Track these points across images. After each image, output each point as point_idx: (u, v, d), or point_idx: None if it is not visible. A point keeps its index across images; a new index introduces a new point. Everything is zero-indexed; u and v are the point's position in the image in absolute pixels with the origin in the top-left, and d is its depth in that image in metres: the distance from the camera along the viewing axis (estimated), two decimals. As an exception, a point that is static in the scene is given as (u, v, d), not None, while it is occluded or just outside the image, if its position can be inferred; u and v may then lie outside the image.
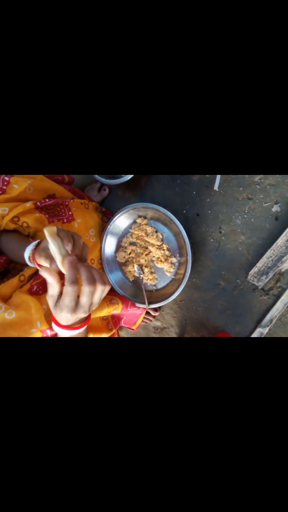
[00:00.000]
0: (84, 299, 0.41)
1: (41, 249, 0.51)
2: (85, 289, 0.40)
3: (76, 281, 0.40)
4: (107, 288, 0.43)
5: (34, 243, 0.55)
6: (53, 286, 0.41)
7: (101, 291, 0.42)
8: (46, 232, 0.42)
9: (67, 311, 0.40)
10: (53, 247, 0.42)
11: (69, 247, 0.43)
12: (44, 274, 0.41)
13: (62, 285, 0.41)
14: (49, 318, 0.59)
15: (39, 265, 0.53)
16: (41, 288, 0.61)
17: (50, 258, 0.48)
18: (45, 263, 0.49)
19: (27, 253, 0.55)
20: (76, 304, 0.40)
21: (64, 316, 0.41)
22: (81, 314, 0.41)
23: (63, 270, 0.41)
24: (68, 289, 0.39)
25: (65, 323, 0.43)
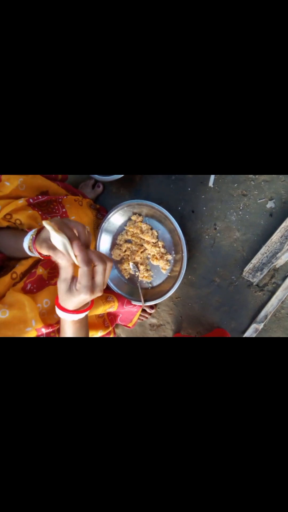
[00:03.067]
0: (99, 278, 0.43)
1: (42, 240, 0.52)
2: (99, 268, 0.43)
3: (89, 262, 0.43)
4: (111, 264, 0.46)
5: (31, 232, 0.55)
6: (66, 269, 0.43)
7: (109, 268, 0.45)
8: (49, 227, 0.43)
9: (85, 292, 0.42)
10: (59, 243, 0.43)
11: (75, 247, 0.45)
12: (57, 258, 0.43)
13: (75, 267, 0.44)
14: (44, 317, 0.58)
15: (40, 254, 0.54)
16: (35, 286, 0.61)
17: (53, 248, 0.49)
18: (48, 253, 0.50)
19: (26, 243, 0.55)
20: (93, 284, 0.43)
21: (82, 298, 0.43)
22: (98, 293, 0.44)
23: (74, 260, 0.44)
24: (84, 269, 0.42)
25: (72, 308, 0.45)
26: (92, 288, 0.43)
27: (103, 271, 0.44)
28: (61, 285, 0.44)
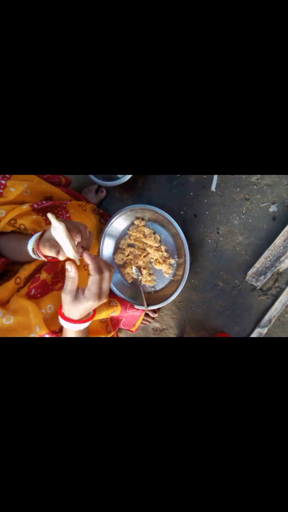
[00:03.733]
0: (105, 285, 0.45)
1: (45, 239, 0.52)
2: (105, 275, 0.45)
3: (100, 270, 0.44)
4: (113, 270, 0.48)
5: (37, 235, 0.56)
6: (74, 280, 0.44)
7: (112, 274, 0.47)
8: (52, 218, 0.44)
9: (94, 299, 0.43)
10: (62, 235, 0.44)
11: (78, 238, 0.47)
12: (69, 266, 0.45)
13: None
14: (48, 322, 0.58)
15: (45, 256, 0.55)
16: (39, 291, 0.61)
17: (55, 247, 0.51)
18: (50, 253, 0.51)
19: (30, 245, 0.56)
20: (100, 291, 0.44)
21: (89, 305, 0.44)
22: (103, 300, 0.45)
23: (73, 257, 0.45)
24: (96, 277, 0.43)
25: (77, 317, 0.46)
26: (100, 294, 0.44)
27: (109, 278, 0.45)
28: (67, 297, 0.44)
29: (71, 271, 0.44)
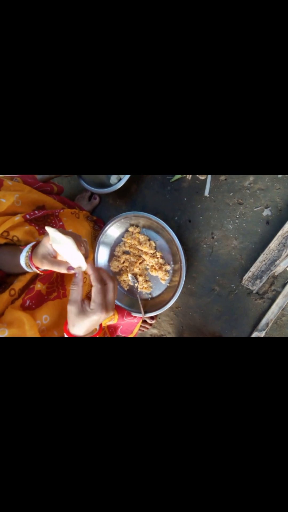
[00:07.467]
0: (110, 295, 0.44)
1: (42, 256, 0.51)
2: (109, 286, 0.44)
3: (102, 280, 0.43)
4: (116, 282, 0.47)
5: (27, 249, 0.55)
6: (78, 289, 0.43)
7: (116, 286, 0.46)
8: (51, 230, 0.43)
9: (100, 310, 0.42)
10: (72, 247, 0.44)
11: (83, 248, 0.46)
12: (77, 271, 0.45)
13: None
14: (44, 333, 0.57)
15: (38, 268, 0.54)
16: (34, 302, 0.60)
17: (58, 264, 0.49)
18: (52, 268, 0.50)
19: (23, 259, 0.55)
20: (106, 302, 0.43)
21: (96, 318, 0.42)
22: (110, 312, 0.44)
23: (79, 268, 0.45)
24: (98, 287, 0.42)
25: (84, 332, 0.44)
26: (106, 306, 0.43)
27: (114, 289, 0.44)
28: (72, 307, 0.43)
29: (78, 276, 0.44)
